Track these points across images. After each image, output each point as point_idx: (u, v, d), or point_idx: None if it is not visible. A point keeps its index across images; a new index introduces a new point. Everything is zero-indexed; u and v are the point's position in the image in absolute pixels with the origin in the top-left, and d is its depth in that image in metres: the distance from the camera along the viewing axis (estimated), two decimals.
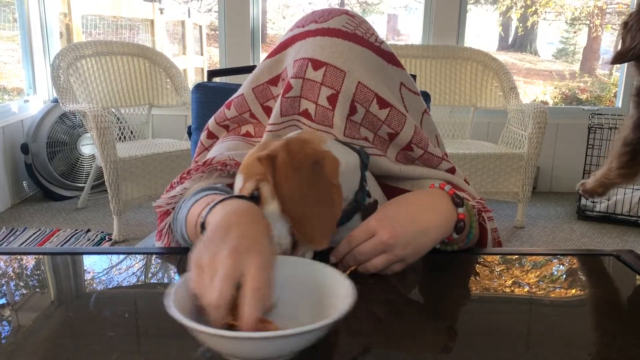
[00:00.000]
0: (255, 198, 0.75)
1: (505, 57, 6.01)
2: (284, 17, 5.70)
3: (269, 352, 0.54)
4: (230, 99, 1.06)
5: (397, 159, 0.99)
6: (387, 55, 0.99)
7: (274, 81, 1.01)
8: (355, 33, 0.95)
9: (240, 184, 0.77)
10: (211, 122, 1.08)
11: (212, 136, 1.09)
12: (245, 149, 0.99)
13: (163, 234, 0.91)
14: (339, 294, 0.60)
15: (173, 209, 0.90)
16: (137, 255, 0.87)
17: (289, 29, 1.03)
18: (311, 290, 0.65)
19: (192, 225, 0.79)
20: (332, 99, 0.91)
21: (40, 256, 0.86)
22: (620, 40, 1.37)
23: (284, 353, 0.55)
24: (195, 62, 5.40)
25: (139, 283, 0.80)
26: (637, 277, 0.81)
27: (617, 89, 4.05)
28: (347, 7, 5.62)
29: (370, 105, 0.93)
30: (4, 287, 0.75)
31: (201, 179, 0.92)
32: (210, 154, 1.01)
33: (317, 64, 0.92)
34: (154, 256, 0.89)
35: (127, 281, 0.80)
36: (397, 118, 0.95)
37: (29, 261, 0.85)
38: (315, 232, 0.72)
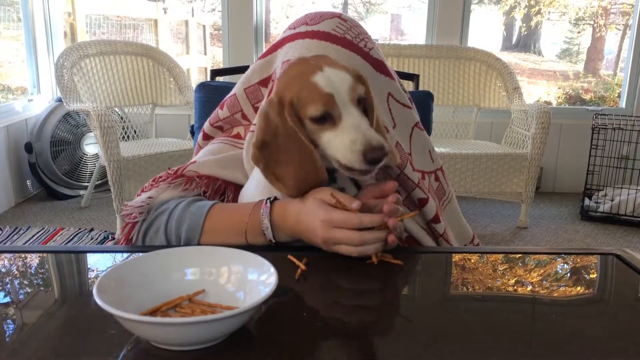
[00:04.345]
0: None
1: (508, 57, 5.99)
2: (287, 17, 5.70)
3: (187, 338, 0.57)
4: (224, 99, 1.06)
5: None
6: (376, 63, 0.98)
7: (265, 82, 1.02)
8: (344, 37, 0.95)
9: (349, 78, 0.80)
10: (206, 124, 1.09)
11: (207, 137, 1.10)
12: (229, 151, 1.01)
13: (131, 241, 0.92)
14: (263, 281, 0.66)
15: (144, 219, 0.92)
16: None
17: (283, 30, 1.03)
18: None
19: (230, 232, 0.86)
20: None
21: (44, 254, 0.87)
22: None
23: (204, 338, 0.58)
24: (198, 62, 5.41)
25: None
26: (638, 276, 0.81)
27: (621, 89, 4.04)
28: (350, 7, 5.62)
29: None
30: (8, 286, 0.76)
31: (167, 189, 0.94)
32: (196, 157, 1.02)
33: None
34: None
35: None
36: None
37: (33, 259, 0.85)
38: None
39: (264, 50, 1.05)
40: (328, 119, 0.78)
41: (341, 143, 0.78)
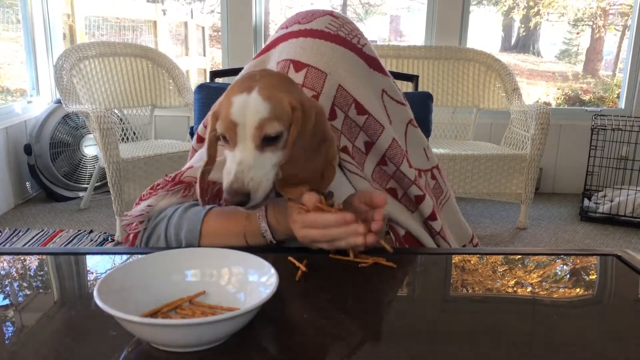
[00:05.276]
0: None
1: (507, 58, 6.00)
2: (286, 18, 5.70)
3: (188, 339, 0.57)
4: (217, 101, 1.06)
5: (373, 178, 0.98)
6: (370, 60, 0.98)
7: None
8: (337, 34, 0.95)
9: (264, 112, 0.75)
10: (200, 127, 1.08)
11: (201, 140, 1.08)
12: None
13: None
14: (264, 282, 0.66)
15: (145, 228, 0.92)
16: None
17: (275, 30, 1.03)
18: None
19: (228, 235, 0.86)
20: None
21: (44, 256, 0.87)
22: None
23: (205, 340, 0.58)
24: (197, 63, 5.40)
25: None
26: (639, 277, 0.81)
27: (620, 90, 4.04)
28: (349, 9, 5.62)
29: (349, 109, 0.93)
30: (8, 288, 0.76)
31: (166, 196, 0.94)
32: (190, 162, 1.02)
33: (298, 66, 0.92)
34: None
35: None
36: (373, 126, 0.94)
37: (32, 261, 0.85)
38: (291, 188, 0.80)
39: None
40: (228, 140, 0.79)
41: (225, 167, 0.79)
